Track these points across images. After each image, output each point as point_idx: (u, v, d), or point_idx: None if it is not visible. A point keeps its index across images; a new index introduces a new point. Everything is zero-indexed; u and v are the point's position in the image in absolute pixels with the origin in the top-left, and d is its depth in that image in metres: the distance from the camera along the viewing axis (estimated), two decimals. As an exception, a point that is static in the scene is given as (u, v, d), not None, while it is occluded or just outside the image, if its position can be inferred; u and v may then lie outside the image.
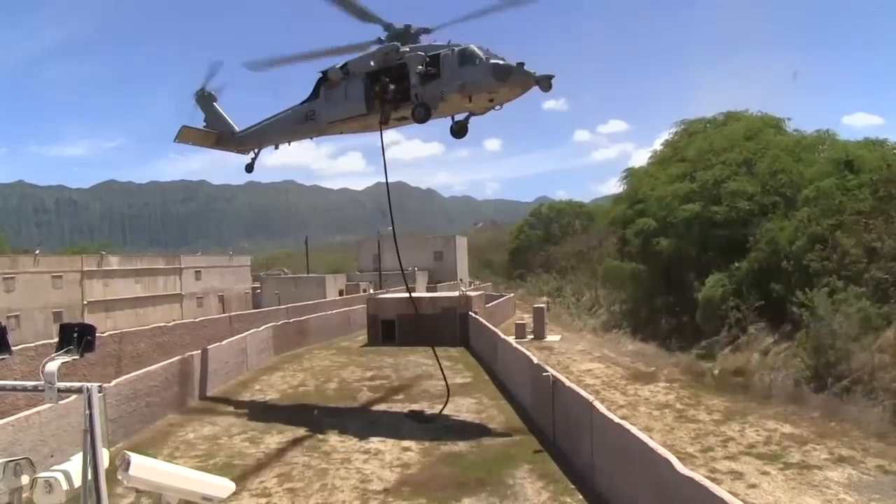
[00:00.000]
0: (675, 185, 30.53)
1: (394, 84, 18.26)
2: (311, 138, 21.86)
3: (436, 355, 20.80)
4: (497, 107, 17.84)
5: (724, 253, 26.66)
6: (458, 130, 19.41)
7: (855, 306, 18.83)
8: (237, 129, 23.10)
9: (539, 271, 76.88)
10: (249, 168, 23.38)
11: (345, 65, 19.34)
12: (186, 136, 22.62)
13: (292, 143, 22.22)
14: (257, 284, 69.59)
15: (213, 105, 23.32)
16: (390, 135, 19.72)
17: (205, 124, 23.30)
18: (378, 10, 18.23)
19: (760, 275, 24.32)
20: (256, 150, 23.06)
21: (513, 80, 16.59)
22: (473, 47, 17.19)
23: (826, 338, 18.65)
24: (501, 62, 16.70)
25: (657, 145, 53.54)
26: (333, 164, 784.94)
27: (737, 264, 25.40)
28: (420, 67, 17.66)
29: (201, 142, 23.35)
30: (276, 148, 22.80)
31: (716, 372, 23.25)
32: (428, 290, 52.38)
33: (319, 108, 20.28)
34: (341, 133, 21.84)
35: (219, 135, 23.15)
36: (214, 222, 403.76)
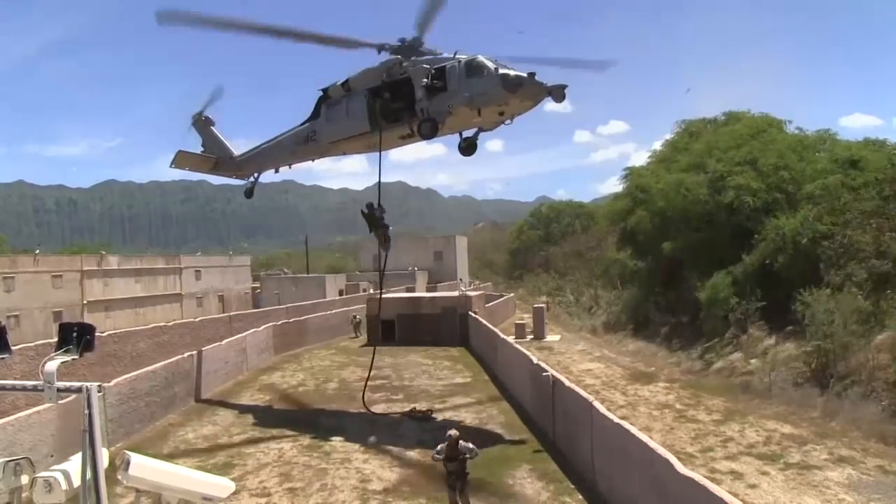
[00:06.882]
0: (679, 175, 30.45)
1: (398, 99, 17.48)
2: (313, 160, 21.23)
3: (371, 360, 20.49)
4: (507, 121, 16.91)
5: (726, 252, 26.64)
6: (467, 147, 18.49)
7: (855, 305, 18.82)
8: (235, 153, 22.57)
9: (539, 271, 76.94)
10: (249, 193, 22.80)
11: (346, 81, 18.58)
12: (183, 161, 22.01)
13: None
14: (257, 284, 69.62)
15: (210, 129, 22.76)
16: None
17: (202, 149, 22.79)
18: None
19: (763, 274, 24.30)
20: (256, 175, 22.52)
21: (523, 91, 15.59)
22: (481, 58, 16.27)
23: (825, 337, 18.65)
24: (511, 73, 15.72)
25: (657, 146, 53.57)
26: (334, 164, 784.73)
27: (744, 258, 25.35)
28: (425, 80, 16.71)
29: (199, 167, 22.79)
30: (276, 171, 22.12)
31: (716, 371, 23.25)
32: (428, 290, 52.39)
33: (320, 128, 19.47)
34: (344, 153, 20.84)
35: (217, 159, 22.60)
36: (214, 222, 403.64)
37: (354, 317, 38.29)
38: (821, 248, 21.91)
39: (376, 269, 64.84)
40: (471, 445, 10.85)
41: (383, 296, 37.96)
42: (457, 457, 10.79)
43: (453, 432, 10.90)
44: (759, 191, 26.32)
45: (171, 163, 21.82)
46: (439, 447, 10.96)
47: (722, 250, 26.94)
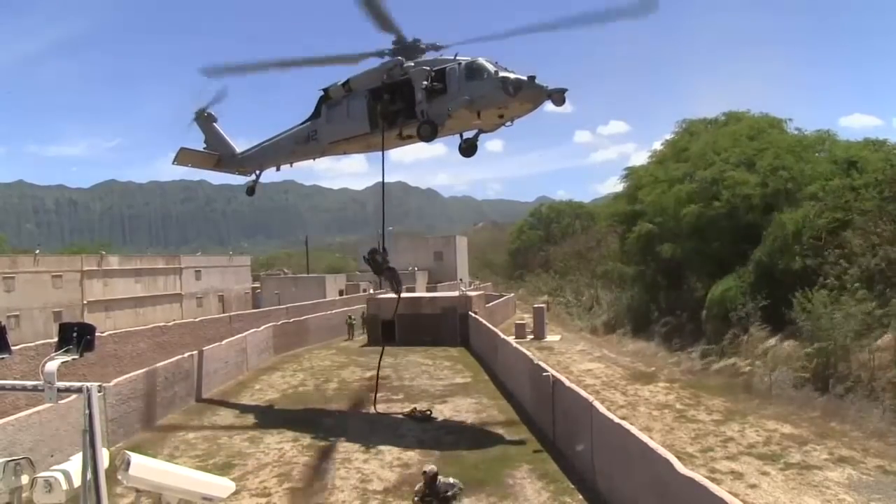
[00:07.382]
0: (675, 188, 30.49)
1: (398, 100, 17.45)
2: (314, 159, 21.24)
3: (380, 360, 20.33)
4: (508, 123, 16.89)
5: (726, 254, 26.59)
6: (467, 149, 18.48)
7: (856, 307, 18.80)
8: (238, 150, 22.59)
9: (539, 271, 76.93)
10: (251, 191, 22.84)
11: (346, 81, 18.50)
12: (185, 158, 22.02)
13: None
14: (257, 284, 69.61)
15: (213, 126, 22.72)
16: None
17: (205, 146, 22.78)
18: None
19: (765, 275, 24.26)
20: (258, 172, 22.56)
21: (523, 94, 15.61)
22: (481, 60, 16.29)
23: (826, 337, 18.64)
24: (511, 75, 15.74)
25: (657, 146, 53.56)
26: (334, 164, 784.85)
27: (751, 256, 25.30)
28: (425, 82, 16.72)
29: (201, 164, 22.76)
30: (278, 169, 22.17)
31: (716, 371, 23.24)
32: (428, 290, 52.38)
33: (321, 128, 19.51)
34: (345, 153, 20.88)
35: (219, 157, 22.62)
36: (214, 222, 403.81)
37: (350, 317, 38.35)
38: (818, 247, 21.86)
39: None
40: (451, 481, 9.73)
41: (382, 296, 38.10)
42: (437, 495, 9.53)
43: (429, 468, 9.81)
44: (757, 186, 26.30)
45: (174, 159, 21.88)
46: (417, 487, 9.90)
47: (722, 251, 26.89)
